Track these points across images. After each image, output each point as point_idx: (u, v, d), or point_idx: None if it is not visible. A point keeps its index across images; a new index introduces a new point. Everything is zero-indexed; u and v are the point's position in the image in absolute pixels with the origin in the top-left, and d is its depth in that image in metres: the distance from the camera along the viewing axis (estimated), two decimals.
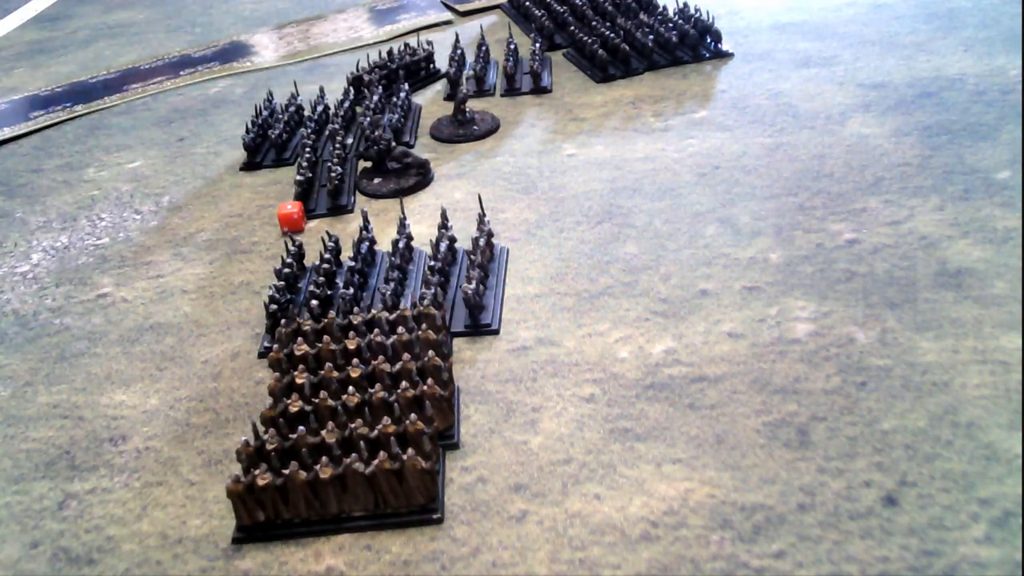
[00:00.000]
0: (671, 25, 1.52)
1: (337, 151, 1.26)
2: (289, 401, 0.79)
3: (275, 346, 0.87)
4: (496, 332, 0.92)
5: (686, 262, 0.98)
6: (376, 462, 0.71)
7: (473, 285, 0.93)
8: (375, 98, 1.39)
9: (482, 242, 1.00)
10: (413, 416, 0.75)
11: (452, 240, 1.03)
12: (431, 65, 1.59)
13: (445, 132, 1.36)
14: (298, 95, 1.50)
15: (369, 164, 1.27)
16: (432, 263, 0.97)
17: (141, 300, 1.07)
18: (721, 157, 1.18)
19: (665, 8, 1.62)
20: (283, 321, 0.89)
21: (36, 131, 1.62)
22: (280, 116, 1.41)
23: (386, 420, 0.76)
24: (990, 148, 1.11)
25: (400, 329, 0.85)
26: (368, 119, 1.29)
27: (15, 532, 0.77)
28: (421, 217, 1.15)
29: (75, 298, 1.09)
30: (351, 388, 0.80)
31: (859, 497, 0.68)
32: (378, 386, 0.80)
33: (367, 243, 1.04)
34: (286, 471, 0.72)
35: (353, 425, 0.76)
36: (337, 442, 0.75)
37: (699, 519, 0.68)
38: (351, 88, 1.48)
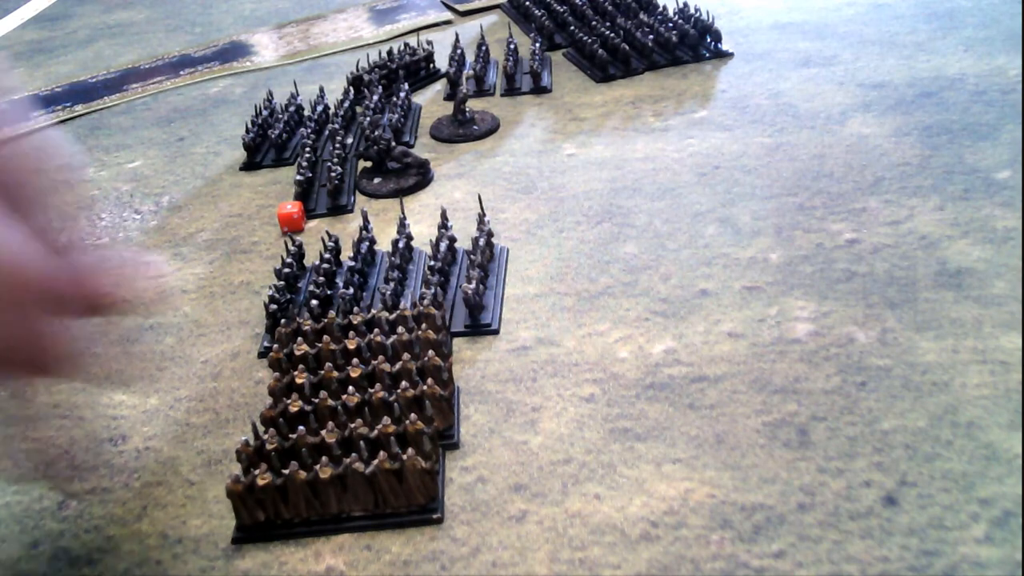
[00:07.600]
0: (671, 25, 1.52)
1: (337, 151, 1.26)
2: (289, 401, 0.79)
3: (275, 346, 0.87)
4: (496, 332, 0.92)
5: (686, 262, 0.98)
6: (376, 462, 0.71)
7: (473, 285, 0.93)
8: (375, 98, 1.39)
9: (482, 242, 1.00)
10: (413, 416, 0.75)
11: (452, 240, 1.03)
12: (431, 65, 1.59)
13: (445, 132, 1.36)
14: (298, 95, 1.50)
15: (369, 164, 1.27)
16: (432, 263, 0.97)
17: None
18: (721, 157, 1.18)
19: (665, 8, 1.62)
20: (283, 321, 0.89)
21: (36, 131, 1.61)
22: (280, 116, 1.41)
23: (386, 420, 0.76)
24: (990, 148, 1.11)
25: (400, 329, 0.85)
26: (368, 119, 1.29)
27: (15, 532, 0.76)
28: (421, 217, 1.15)
29: None
30: (351, 388, 0.80)
31: (859, 497, 0.68)
32: (378, 386, 0.80)
33: (367, 243, 1.04)
34: (286, 471, 0.72)
35: (353, 425, 0.76)
36: (337, 442, 0.75)
37: (699, 519, 0.68)
38: (351, 88, 1.48)
